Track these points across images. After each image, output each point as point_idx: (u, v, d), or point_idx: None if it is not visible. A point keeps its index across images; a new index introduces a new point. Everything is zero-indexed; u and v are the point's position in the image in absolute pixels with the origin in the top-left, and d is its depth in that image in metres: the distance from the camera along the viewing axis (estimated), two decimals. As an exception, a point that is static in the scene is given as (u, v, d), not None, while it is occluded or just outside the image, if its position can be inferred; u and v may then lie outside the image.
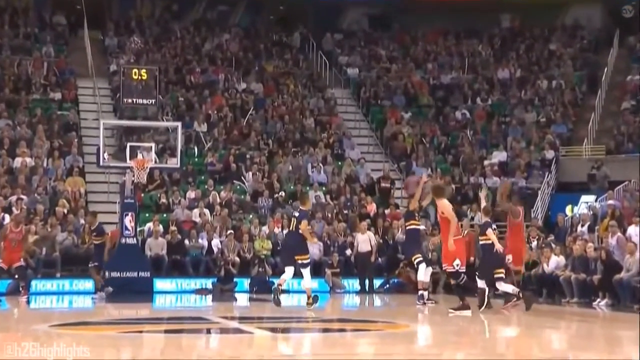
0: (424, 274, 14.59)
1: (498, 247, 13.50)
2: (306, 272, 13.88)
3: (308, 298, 13.85)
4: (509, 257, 14.07)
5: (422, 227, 15.35)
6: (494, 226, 13.95)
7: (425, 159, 23.74)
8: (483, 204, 14.73)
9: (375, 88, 26.84)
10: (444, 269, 13.81)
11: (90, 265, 16.82)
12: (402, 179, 23.50)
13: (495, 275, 13.50)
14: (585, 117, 25.26)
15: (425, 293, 14.65)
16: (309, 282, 14.00)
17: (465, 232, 18.33)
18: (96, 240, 16.87)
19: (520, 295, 13.48)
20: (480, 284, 13.59)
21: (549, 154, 23.78)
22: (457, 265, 13.09)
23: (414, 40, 29.54)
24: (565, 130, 24.98)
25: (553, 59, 27.97)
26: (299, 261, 13.78)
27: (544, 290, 16.91)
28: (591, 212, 20.02)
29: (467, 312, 12.90)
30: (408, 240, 15.14)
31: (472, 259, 18.06)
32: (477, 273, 13.79)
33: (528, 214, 21.44)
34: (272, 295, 13.87)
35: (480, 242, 14.07)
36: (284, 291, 15.39)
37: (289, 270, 13.94)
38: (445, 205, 13.14)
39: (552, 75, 27.07)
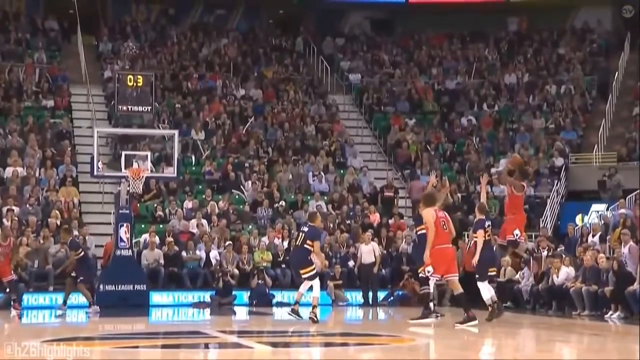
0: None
1: (475, 259, 13.63)
2: (315, 282, 13.74)
3: (313, 308, 13.68)
4: (517, 232, 14.12)
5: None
6: (487, 223, 13.92)
7: (430, 167, 23.43)
8: (483, 195, 14.63)
9: (378, 94, 26.62)
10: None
11: (77, 280, 16.31)
12: (406, 187, 23.13)
13: (488, 273, 13.76)
14: (595, 123, 24.89)
15: (431, 305, 14.40)
16: (317, 292, 13.81)
17: (472, 241, 17.97)
18: (76, 255, 16.40)
19: (495, 306, 13.64)
20: (482, 288, 13.65)
21: (558, 161, 23.40)
22: (429, 272, 13.01)
23: (418, 45, 29.31)
24: (575, 136, 24.61)
25: (562, 63, 27.65)
26: (304, 275, 13.71)
27: (554, 303, 16.65)
28: (602, 222, 19.79)
29: (474, 323, 12.71)
30: (418, 245, 14.77)
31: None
32: (476, 276, 13.78)
33: (537, 223, 21.04)
34: (293, 316, 13.85)
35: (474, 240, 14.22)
36: (282, 304, 15.20)
37: (303, 286, 13.90)
38: (427, 215, 13.00)
39: (561, 80, 26.76)
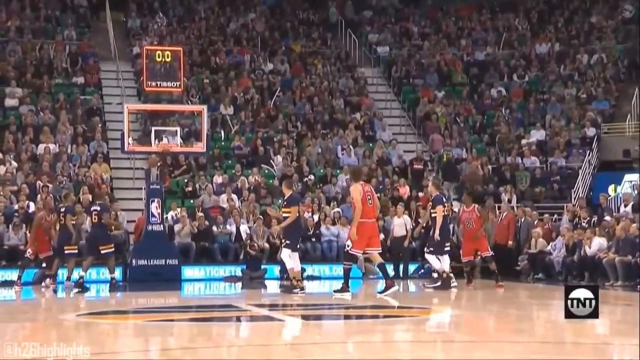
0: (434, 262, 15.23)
1: (436, 234, 14.65)
2: (284, 251, 14.14)
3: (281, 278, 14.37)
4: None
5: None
6: (444, 199, 14.87)
7: (459, 139, 23.19)
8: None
9: (406, 66, 26.37)
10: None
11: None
12: (435, 160, 22.90)
13: (445, 248, 14.70)
14: (628, 93, 24.44)
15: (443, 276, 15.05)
16: (289, 262, 14.20)
17: (504, 214, 17.94)
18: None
19: (444, 276, 14.67)
20: (443, 260, 14.70)
21: (590, 131, 23.10)
22: (348, 246, 13.23)
23: (447, 16, 28.97)
24: (607, 106, 24.27)
25: (593, 32, 27.12)
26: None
27: (586, 274, 16.51)
28: (635, 191, 19.50)
29: (393, 290, 13.26)
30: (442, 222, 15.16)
31: (510, 242, 17.70)
32: (431, 249, 14.73)
33: (568, 194, 20.85)
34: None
35: (432, 216, 15.09)
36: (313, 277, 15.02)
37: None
38: (353, 190, 13.25)
39: (593, 49, 26.31)
